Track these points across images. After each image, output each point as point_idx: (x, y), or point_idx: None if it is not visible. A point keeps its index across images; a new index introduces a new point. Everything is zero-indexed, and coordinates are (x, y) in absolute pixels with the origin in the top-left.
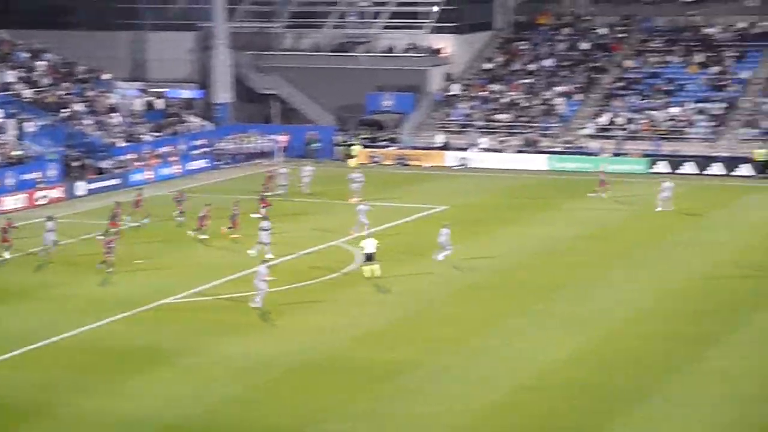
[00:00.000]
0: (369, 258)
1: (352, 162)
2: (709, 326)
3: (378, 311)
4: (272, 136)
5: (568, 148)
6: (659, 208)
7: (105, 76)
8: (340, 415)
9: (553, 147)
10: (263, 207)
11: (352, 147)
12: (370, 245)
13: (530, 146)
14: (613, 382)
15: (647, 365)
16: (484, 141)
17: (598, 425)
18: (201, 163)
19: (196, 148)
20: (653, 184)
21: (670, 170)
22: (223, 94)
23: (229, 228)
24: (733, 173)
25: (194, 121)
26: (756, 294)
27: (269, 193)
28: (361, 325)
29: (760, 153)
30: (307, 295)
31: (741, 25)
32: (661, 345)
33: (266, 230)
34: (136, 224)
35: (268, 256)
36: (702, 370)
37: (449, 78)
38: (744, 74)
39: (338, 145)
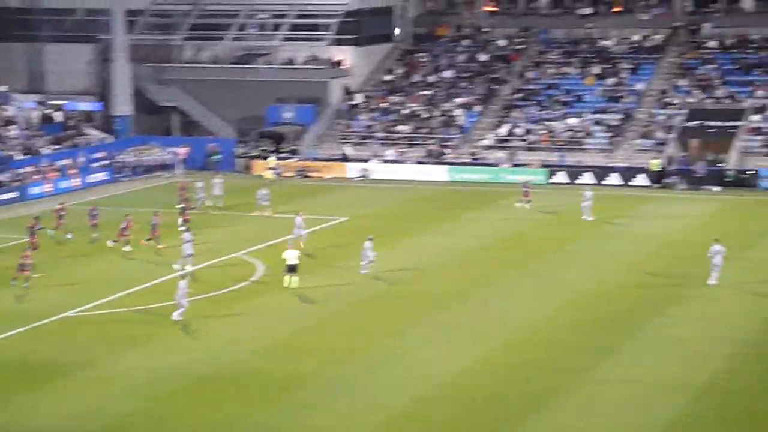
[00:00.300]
0: (291, 269)
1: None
2: (607, 334)
3: (280, 322)
4: (172, 149)
5: (476, 159)
6: (584, 217)
7: (1, 88)
8: (240, 428)
9: (454, 158)
10: (184, 219)
11: (268, 159)
12: (292, 256)
13: (434, 157)
14: (513, 392)
15: (546, 374)
16: (390, 153)
17: None
18: (101, 176)
19: (95, 160)
20: (555, 193)
21: (568, 180)
22: (123, 106)
23: (149, 239)
24: (630, 183)
25: (94, 134)
26: (652, 301)
27: (184, 206)
28: (264, 336)
29: (655, 163)
30: (211, 306)
31: (635, 38)
32: (559, 353)
33: (189, 242)
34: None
35: (187, 267)
36: (599, 378)
37: (348, 92)
38: (639, 86)
39: (239, 156)
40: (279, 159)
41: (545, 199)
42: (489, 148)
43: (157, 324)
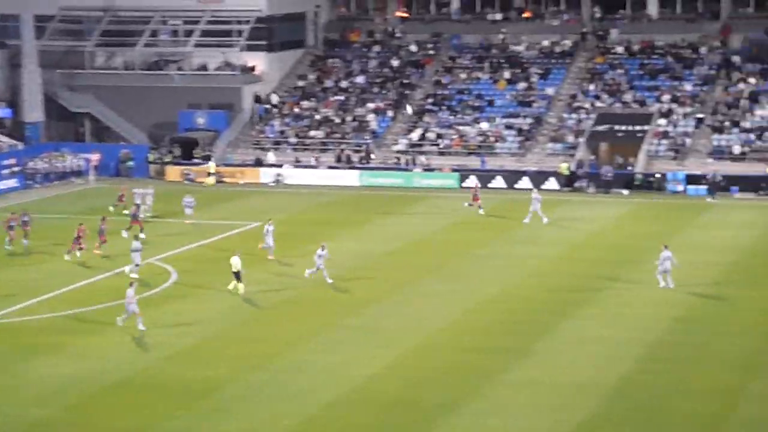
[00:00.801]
0: (236, 276)
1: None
2: (518, 336)
3: (193, 329)
4: (84, 155)
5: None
6: (526, 220)
7: None
8: None
9: (366, 163)
10: (134, 225)
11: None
12: (236, 263)
13: (346, 162)
14: (425, 396)
15: (458, 377)
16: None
17: None
18: (11, 183)
19: (6, 167)
20: (463, 198)
21: (480, 185)
22: (34, 112)
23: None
24: (541, 187)
25: (3, 141)
26: (563, 304)
27: (135, 213)
28: (177, 342)
29: (565, 167)
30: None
31: (545, 43)
32: (471, 357)
33: (137, 251)
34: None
35: (133, 275)
36: (512, 381)
37: (258, 99)
38: (549, 90)
39: (152, 162)
40: (192, 165)
41: (452, 203)
42: (401, 153)
43: (69, 331)
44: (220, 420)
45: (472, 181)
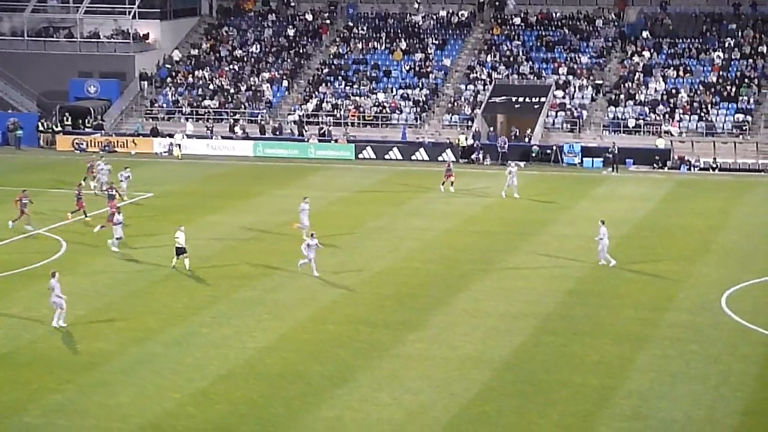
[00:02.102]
0: (179, 251)
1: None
2: (410, 310)
3: (81, 300)
4: None
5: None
6: (510, 195)
7: None
8: (36, 408)
9: (260, 133)
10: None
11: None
12: (181, 238)
13: (239, 132)
14: (317, 368)
15: (348, 350)
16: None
17: (303, 411)
18: None
19: None
20: (358, 169)
21: (374, 156)
22: None
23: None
24: (438, 159)
25: None
26: (456, 277)
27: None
28: (64, 314)
29: (461, 139)
30: (12, 284)
31: (442, 13)
32: (362, 330)
33: (120, 223)
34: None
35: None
36: (404, 354)
37: (144, 76)
38: (446, 61)
39: (42, 131)
40: (81, 134)
41: (350, 175)
42: (296, 123)
43: None
44: (108, 393)
45: (446, 156)
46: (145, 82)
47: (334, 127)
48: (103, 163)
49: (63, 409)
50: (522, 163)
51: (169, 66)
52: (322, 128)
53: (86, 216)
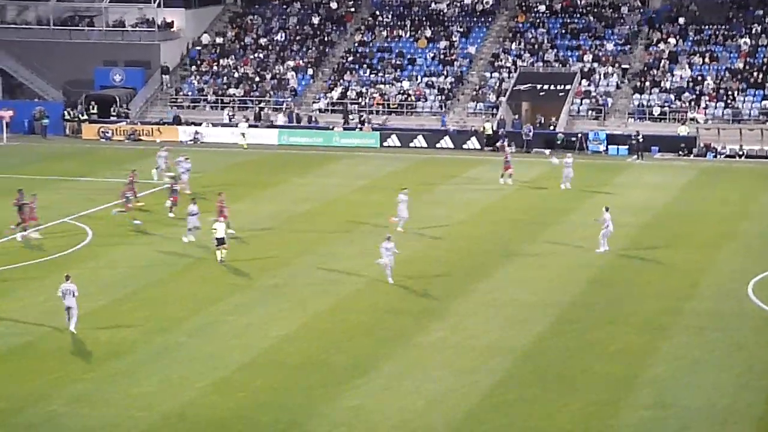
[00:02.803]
0: (220, 242)
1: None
2: (432, 298)
3: (105, 290)
4: None
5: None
6: (568, 186)
7: None
8: (60, 397)
9: (285, 121)
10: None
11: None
12: (220, 229)
13: (264, 120)
14: (339, 357)
15: (370, 339)
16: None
17: (324, 399)
18: None
19: None
20: (383, 157)
21: (399, 144)
22: None
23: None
24: (462, 147)
25: None
26: (476, 266)
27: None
28: (87, 304)
29: (486, 126)
30: (38, 273)
31: (466, 1)
32: (384, 318)
33: (194, 214)
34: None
35: (189, 239)
36: (425, 343)
37: (166, 71)
38: (470, 49)
39: (68, 120)
40: (106, 123)
41: (374, 163)
42: (321, 111)
43: None
44: (131, 382)
45: (507, 148)
46: (167, 76)
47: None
48: (162, 151)
49: (86, 398)
50: (547, 151)
51: (199, 48)
52: (362, 116)
53: (137, 201)
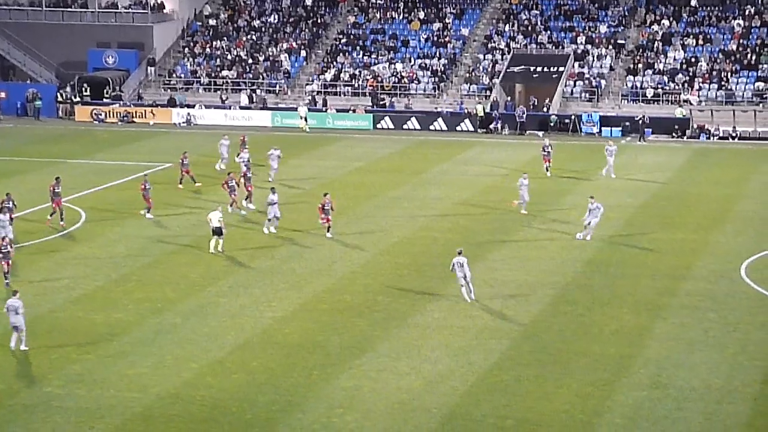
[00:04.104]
0: (215, 232)
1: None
2: (430, 279)
3: (99, 271)
4: None
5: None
6: (605, 173)
7: None
8: (56, 379)
9: (278, 103)
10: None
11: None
12: (215, 219)
13: (256, 102)
14: (335, 338)
15: (366, 320)
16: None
17: (321, 380)
18: None
19: None
20: (375, 139)
21: (393, 126)
22: None
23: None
24: (456, 129)
25: None
26: (474, 246)
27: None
28: (82, 285)
29: (479, 108)
30: (31, 255)
31: None
32: (383, 299)
33: (274, 204)
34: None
35: (270, 230)
36: (422, 323)
37: (152, 62)
38: (464, 31)
39: (61, 102)
40: (99, 105)
41: (368, 145)
42: (314, 93)
43: None
44: (127, 364)
45: (545, 140)
46: (152, 68)
47: (353, 98)
48: (224, 138)
49: (83, 379)
50: (540, 133)
51: (200, 23)
52: (383, 99)
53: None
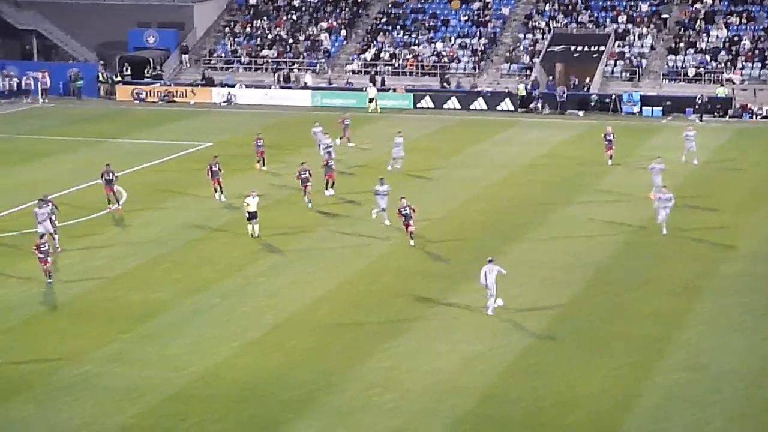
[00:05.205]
0: (251, 217)
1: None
2: (465, 261)
3: (137, 251)
4: (32, 73)
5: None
6: (695, 162)
7: None
8: (94, 358)
9: (318, 83)
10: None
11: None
12: (253, 204)
13: (296, 82)
14: (371, 318)
15: (402, 301)
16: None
17: (358, 360)
18: None
19: None
20: (416, 119)
21: (433, 106)
22: None
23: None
24: (496, 108)
25: None
26: (510, 227)
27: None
28: (120, 265)
29: (520, 88)
30: (68, 235)
31: None
32: (418, 280)
33: (384, 195)
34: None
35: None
36: (457, 304)
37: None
38: (504, 10)
39: (102, 82)
40: (140, 84)
41: (408, 125)
42: (354, 73)
43: (11, 254)
44: (164, 343)
45: (608, 128)
46: (186, 56)
47: (392, 77)
48: (315, 127)
49: (120, 358)
50: (580, 113)
51: (241, 2)
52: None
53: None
